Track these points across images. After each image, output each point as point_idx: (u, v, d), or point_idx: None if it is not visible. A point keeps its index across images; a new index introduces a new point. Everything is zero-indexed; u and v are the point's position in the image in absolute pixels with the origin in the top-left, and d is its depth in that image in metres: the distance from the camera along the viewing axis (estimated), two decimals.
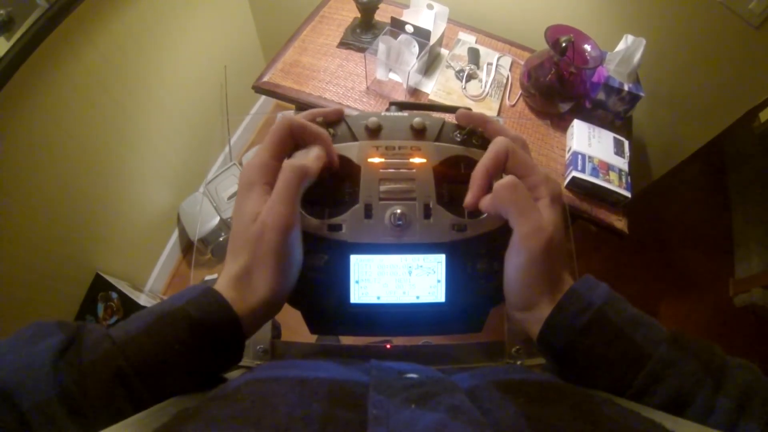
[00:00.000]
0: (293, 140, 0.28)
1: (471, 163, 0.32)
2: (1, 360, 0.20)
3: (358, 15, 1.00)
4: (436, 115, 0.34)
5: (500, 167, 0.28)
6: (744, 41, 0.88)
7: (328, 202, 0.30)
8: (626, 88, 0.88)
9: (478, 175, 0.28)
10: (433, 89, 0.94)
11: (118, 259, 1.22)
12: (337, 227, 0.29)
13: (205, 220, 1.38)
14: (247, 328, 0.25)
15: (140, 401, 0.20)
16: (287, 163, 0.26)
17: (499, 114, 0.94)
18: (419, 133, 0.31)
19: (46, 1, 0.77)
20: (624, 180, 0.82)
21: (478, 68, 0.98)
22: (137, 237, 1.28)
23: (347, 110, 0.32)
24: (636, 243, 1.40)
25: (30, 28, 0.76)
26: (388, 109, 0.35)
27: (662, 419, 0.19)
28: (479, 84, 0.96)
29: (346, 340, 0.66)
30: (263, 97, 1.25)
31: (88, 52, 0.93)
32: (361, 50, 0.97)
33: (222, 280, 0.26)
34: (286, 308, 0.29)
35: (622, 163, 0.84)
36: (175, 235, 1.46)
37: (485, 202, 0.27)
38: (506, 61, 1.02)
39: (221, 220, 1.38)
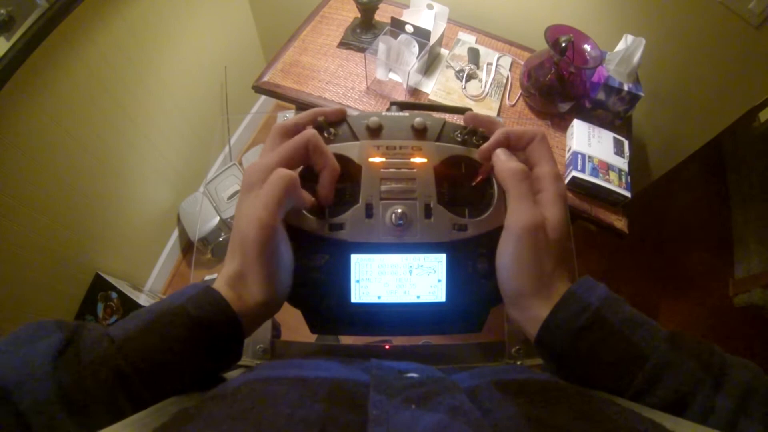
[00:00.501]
0: (306, 157, 0.28)
1: (472, 163, 0.32)
2: (0, 359, 0.19)
3: (358, 15, 1.00)
4: (436, 115, 0.34)
5: (522, 142, 0.29)
6: (744, 41, 0.88)
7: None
8: (626, 88, 0.88)
9: (501, 132, 0.29)
10: (433, 89, 0.94)
11: (118, 259, 1.22)
12: (337, 227, 0.29)
13: (205, 219, 1.38)
14: (245, 327, 0.25)
15: (140, 401, 0.20)
16: (277, 170, 0.26)
17: (499, 114, 0.94)
18: (420, 132, 0.31)
19: (47, 1, 0.77)
20: (624, 180, 0.83)
21: (478, 68, 0.98)
22: (137, 237, 1.28)
23: (348, 110, 0.32)
24: (636, 243, 1.41)
25: (30, 28, 0.76)
26: (388, 109, 0.35)
27: (662, 419, 0.19)
28: (479, 84, 0.96)
29: (346, 340, 0.66)
30: (263, 96, 1.25)
31: (89, 51, 0.93)
32: (362, 50, 0.97)
33: (220, 279, 0.26)
34: (286, 308, 0.29)
35: (622, 163, 0.85)
36: (175, 234, 1.46)
37: (484, 153, 0.30)
38: (506, 61, 1.02)
39: (221, 220, 1.38)
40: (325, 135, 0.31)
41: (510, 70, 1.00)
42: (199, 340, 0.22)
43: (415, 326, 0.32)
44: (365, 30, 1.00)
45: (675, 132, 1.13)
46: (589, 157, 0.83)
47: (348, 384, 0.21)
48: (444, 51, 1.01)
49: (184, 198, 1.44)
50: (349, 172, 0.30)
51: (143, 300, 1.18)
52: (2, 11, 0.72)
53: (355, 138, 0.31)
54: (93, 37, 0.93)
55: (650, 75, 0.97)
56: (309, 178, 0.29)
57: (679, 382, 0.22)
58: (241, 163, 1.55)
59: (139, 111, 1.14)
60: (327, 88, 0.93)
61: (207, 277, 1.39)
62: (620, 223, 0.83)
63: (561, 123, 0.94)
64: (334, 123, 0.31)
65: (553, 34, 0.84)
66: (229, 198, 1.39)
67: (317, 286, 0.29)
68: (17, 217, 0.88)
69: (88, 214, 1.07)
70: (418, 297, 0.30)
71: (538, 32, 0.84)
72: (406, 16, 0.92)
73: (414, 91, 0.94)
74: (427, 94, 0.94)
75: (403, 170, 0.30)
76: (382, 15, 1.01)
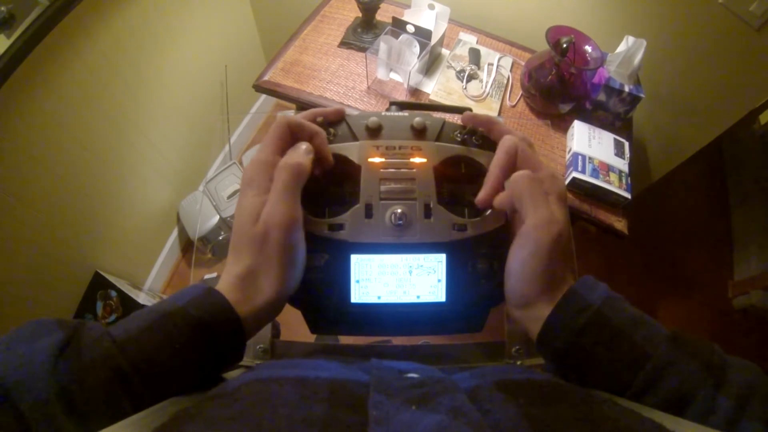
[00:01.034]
0: (293, 138, 0.28)
1: (471, 163, 0.32)
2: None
3: (359, 15, 1.00)
4: (436, 115, 0.34)
5: (513, 164, 0.28)
6: (744, 43, 0.88)
7: (329, 201, 0.30)
8: (627, 89, 0.88)
9: (493, 172, 0.28)
10: (434, 89, 0.94)
11: (118, 258, 1.22)
12: (337, 227, 0.29)
13: (204, 218, 1.38)
14: (249, 328, 0.25)
15: (140, 400, 0.20)
16: (281, 163, 0.26)
17: (499, 114, 0.94)
18: (420, 132, 0.31)
19: None
20: (624, 181, 0.83)
21: (479, 68, 0.98)
22: (136, 235, 1.28)
23: (348, 110, 0.33)
24: (635, 244, 1.40)
25: (30, 26, 0.76)
26: (388, 109, 0.35)
27: (662, 419, 0.19)
28: (480, 84, 0.96)
29: (346, 340, 0.66)
30: (263, 96, 1.25)
31: (89, 50, 0.93)
32: (362, 50, 0.97)
33: (225, 280, 0.26)
34: (286, 308, 0.29)
35: (623, 164, 0.85)
36: (175, 233, 1.46)
37: (500, 199, 0.28)
38: (507, 61, 1.02)
39: (221, 218, 1.38)
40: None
41: (511, 70, 1.00)
42: (201, 341, 0.22)
43: (415, 326, 0.32)
44: (366, 30, 1.00)
45: (675, 134, 1.13)
46: (590, 158, 0.83)
47: (348, 384, 0.21)
48: (445, 51, 1.01)
49: (184, 197, 1.44)
50: (349, 172, 0.30)
51: (142, 299, 1.18)
52: (3, 8, 0.72)
53: (355, 138, 0.31)
54: (93, 36, 0.93)
55: (651, 76, 0.97)
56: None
57: (679, 382, 0.22)
58: (241, 162, 1.55)
59: (139, 109, 1.14)
60: (328, 87, 0.93)
61: (206, 276, 1.38)
62: (620, 224, 0.83)
63: (561, 124, 0.94)
64: (333, 123, 0.31)
65: (555, 35, 0.84)
66: (229, 197, 1.39)
67: (317, 286, 0.29)
68: (17, 215, 0.88)
69: (88, 212, 1.07)
70: (418, 297, 0.30)
71: (539, 33, 0.84)
72: (407, 16, 0.92)
73: (415, 91, 0.94)
74: (428, 95, 0.94)
75: (402, 170, 0.30)
76: (383, 15, 1.01)
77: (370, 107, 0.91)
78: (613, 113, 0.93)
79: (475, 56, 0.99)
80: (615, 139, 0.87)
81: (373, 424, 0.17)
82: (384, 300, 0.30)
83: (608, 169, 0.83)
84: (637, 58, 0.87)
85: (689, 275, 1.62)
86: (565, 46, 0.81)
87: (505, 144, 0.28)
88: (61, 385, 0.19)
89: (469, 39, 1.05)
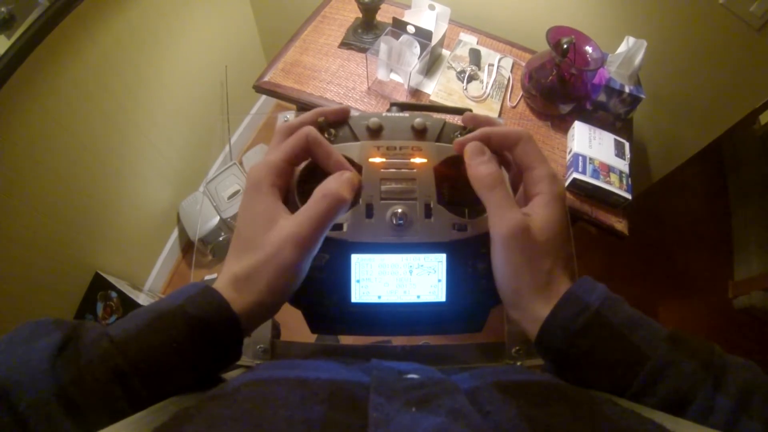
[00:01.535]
0: (308, 152, 0.28)
1: None
2: None
3: (360, 15, 1.00)
4: (436, 115, 0.34)
5: (507, 142, 0.28)
6: (745, 44, 0.88)
7: None
8: (627, 89, 0.88)
9: (483, 131, 0.29)
10: (434, 90, 0.94)
11: (118, 259, 1.22)
12: (338, 226, 0.29)
13: (205, 219, 1.38)
14: (245, 326, 0.25)
15: (139, 400, 0.20)
16: (327, 190, 0.25)
17: (500, 115, 0.94)
18: (420, 133, 0.31)
19: (47, 0, 0.77)
20: (624, 182, 0.82)
21: (480, 69, 0.98)
22: (137, 236, 1.28)
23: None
24: (636, 244, 1.40)
25: (31, 26, 0.76)
26: (389, 110, 0.35)
27: (662, 420, 0.19)
28: (480, 85, 0.96)
29: (346, 340, 0.66)
30: (264, 96, 1.25)
31: (89, 50, 0.93)
32: (363, 50, 0.97)
33: (222, 278, 0.25)
34: (286, 308, 0.29)
35: (623, 165, 0.84)
36: (175, 234, 1.46)
37: (460, 146, 0.29)
38: (507, 62, 1.02)
39: (221, 219, 1.38)
40: (326, 136, 0.31)
41: (511, 71, 1.00)
42: (199, 339, 0.22)
43: (415, 326, 0.32)
44: (367, 30, 1.00)
45: (676, 134, 1.13)
46: (590, 158, 0.83)
47: (348, 385, 0.21)
48: (445, 52, 1.01)
49: (184, 197, 1.44)
50: None
51: (143, 299, 1.18)
52: (3, 9, 0.72)
53: (356, 138, 0.31)
54: (93, 36, 0.93)
55: (651, 77, 0.97)
56: (308, 179, 0.29)
57: (679, 382, 0.22)
58: (241, 163, 1.55)
59: (140, 110, 1.14)
60: (328, 88, 0.93)
61: (207, 277, 1.39)
62: (620, 225, 0.83)
63: (562, 124, 0.94)
64: (334, 123, 0.32)
65: (555, 35, 0.84)
66: (230, 197, 1.39)
67: (317, 285, 0.29)
68: (16, 215, 0.88)
69: (88, 213, 1.07)
70: (418, 297, 0.30)
71: (540, 34, 0.84)
72: (407, 17, 0.92)
73: (415, 92, 0.94)
74: (429, 95, 0.94)
75: (403, 170, 0.30)
76: (384, 15, 1.02)
77: (370, 108, 0.91)
78: (613, 114, 0.93)
79: (475, 57, 0.99)
80: (615, 140, 0.87)
81: (372, 426, 0.17)
82: (384, 300, 0.30)
83: (609, 169, 0.83)
84: (638, 59, 0.87)
85: (689, 275, 1.62)
86: (565, 46, 0.81)
87: (511, 128, 0.29)
88: (60, 385, 0.19)
89: (470, 40, 1.05)
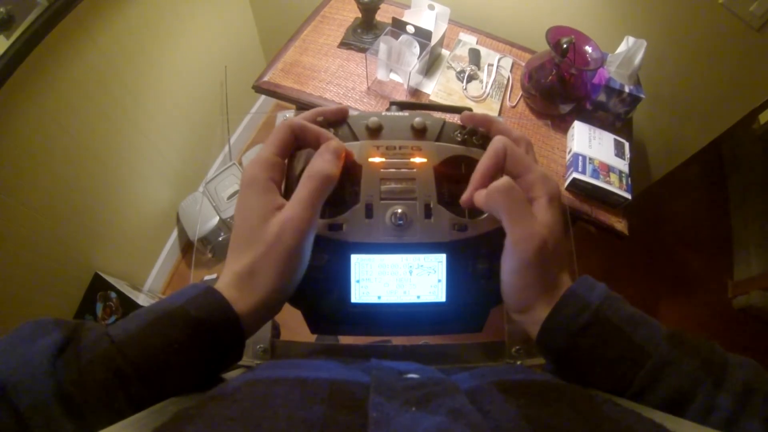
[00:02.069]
0: (296, 140, 0.28)
1: (472, 163, 0.31)
2: None
3: (359, 15, 1.00)
4: (436, 115, 0.34)
5: (500, 166, 0.27)
6: (745, 43, 0.88)
7: (329, 201, 0.30)
8: (627, 89, 0.88)
9: (477, 174, 0.27)
10: (434, 90, 0.94)
11: (117, 259, 1.22)
12: (337, 226, 0.29)
13: (204, 219, 1.38)
14: (247, 327, 0.25)
15: (139, 401, 0.20)
16: (310, 171, 0.26)
17: (499, 115, 0.94)
18: (420, 132, 0.31)
19: (47, 0, 0.77)
20: (624, 181, 0.82)
21: (479, 69, 0.98)
22: (136, 236, 1.28)
23: (348, 110, 0.32)
24: (635, 244, 1.40)
25: (30, 26, 0.76)
26: (388, 109, 0.35)
27: (663, 419, 0.19)
28: (480, 85, 0.96)
29: (346, 340, 0.66)
30: (263, 96, 1.25)
31: (89, 50, 0.93)
32: (362, 50, 0.97)
33: (224, 277, 0.25)
34: (286, 308, 0.29)
35: (623, 165, 0.84)
36: (175, 234, 1.46)
37: (479, 198, 0.27)
38: (507, 62, 1.02)
39: (221, 219, 1.38)
40: None
41: (511, 71, 1.00)
42: (200, 340, 0.22)
43: (415, 326, 0.32)
44: (366, 30, 1.00)
45: (675, 134, 1.13)
46: (590, 158, 0.83)
47: (348, 385, 0.21)
48: (445, 52, 1.01)
49: (184, 197, 1.43)
50: (349, 172, 0.30)
51: (142, 300, 1.18)
52: (2, 9, 0.71)
53: (355, 138, 0.31)
54: (93, 36, 0.93)
55: (651, 77, 0.97)
56: None
57: (679, 381, 0.22)
58: (240, 163, 1.55)
59: (139, 110, 1.14)
60: (327, 88, 0.93)
61: (207, 277, 1.39)
62: (620, 224, 0.83)
63: (562, 124, 0.94)
64: (333, 123, 0.31)
65: (555, 35, 0.84)
66: (229, 197, 1.39)
67: (317, 286, 0.29)
68: (16, 216, 0.88)
69: (88, 213, 1.07)
70: (418, 297, 0.30)
71: (540, 33, 0.84)
72: (407, 17, 0.92)
73: (415, 92, 0.94)
74: (428, 95, 0.94)
75: (403, 170, 0.30)
76: (383, 15, 1.01)
77: (370, 108, 0.91)
78: (613, 114, 0.93)
79: (475, 57, 0.99)
80: (615, 140, 0.87)
81: (372, 426, 0.17)
82: (384, 300, 0.30)
83: (608, 169, 0.83)
84: (638, 59, 0.87)
85: (689, 275, 1.62)
86: (565, 46, 0.81)
87: (493, 144, 0.27)
88: (60, 385, 0.19)
89: (469, 39, 1.05)
